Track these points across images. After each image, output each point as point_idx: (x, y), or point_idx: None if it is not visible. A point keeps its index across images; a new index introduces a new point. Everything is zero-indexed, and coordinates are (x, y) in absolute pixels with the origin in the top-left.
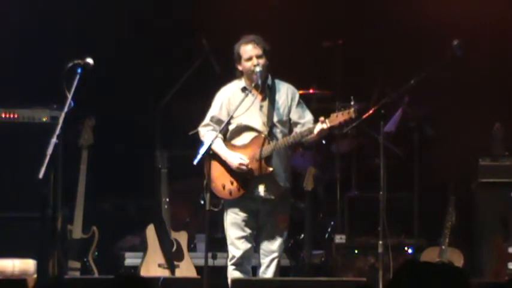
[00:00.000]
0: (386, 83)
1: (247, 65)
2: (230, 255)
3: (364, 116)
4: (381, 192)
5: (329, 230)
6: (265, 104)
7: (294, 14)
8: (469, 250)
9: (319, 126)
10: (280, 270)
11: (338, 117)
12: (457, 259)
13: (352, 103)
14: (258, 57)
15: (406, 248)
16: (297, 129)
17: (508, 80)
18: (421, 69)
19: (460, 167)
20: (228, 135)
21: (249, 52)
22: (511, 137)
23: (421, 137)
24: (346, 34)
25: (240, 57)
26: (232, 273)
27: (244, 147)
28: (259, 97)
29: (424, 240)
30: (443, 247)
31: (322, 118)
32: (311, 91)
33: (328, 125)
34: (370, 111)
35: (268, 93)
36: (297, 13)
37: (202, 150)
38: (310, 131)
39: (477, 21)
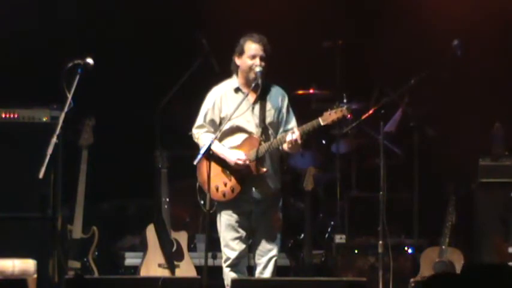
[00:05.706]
0: (387, 83)
1: (249, 62)
2: (225, 257)
3: (364, 116)
4: (381, 192)
5: (329, 230)
6: (257, 105)
7: (294, 14)
8: (469, 250)
9: (289, 136)
10: (280, 270)
11: (331, 115)
12: (457, 259)
13: (345, 101)
14: (261, 58)
15: (406, 248)
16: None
17: (508, 80)
18: (421, 69)
19: (460, 167)
20: (219, 136)
21: (255, 51)
22: (511, 137)
23: (421, 137)
24: (346, 34)
25: (242, 51)
26: (229, 275)
27: (235, 148)
28: (252, 98)
29: (424, 240)
30: (443, 247)
31: (294, 129)
32: (311, 91)
33: (298, 134)
34: (370, 111)
35: (260, 94)
36: (297, 13)
37: (202, 150)
38: (284, 138)
39: (477, 20)
